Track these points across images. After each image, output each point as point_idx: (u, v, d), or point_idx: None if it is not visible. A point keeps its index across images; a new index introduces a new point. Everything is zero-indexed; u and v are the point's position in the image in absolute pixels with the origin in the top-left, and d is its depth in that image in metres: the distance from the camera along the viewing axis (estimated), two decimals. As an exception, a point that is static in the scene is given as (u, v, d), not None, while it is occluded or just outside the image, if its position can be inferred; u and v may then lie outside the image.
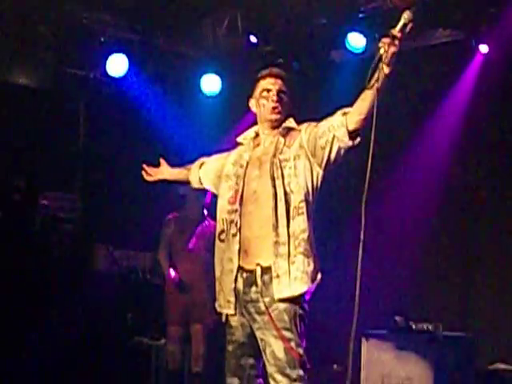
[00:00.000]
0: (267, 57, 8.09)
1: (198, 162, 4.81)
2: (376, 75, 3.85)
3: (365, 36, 7.63)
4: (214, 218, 4.49)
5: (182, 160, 7.33)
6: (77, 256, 8.03)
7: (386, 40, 3.82)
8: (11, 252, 7.47)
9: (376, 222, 8.03)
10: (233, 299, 4.25)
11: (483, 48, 7.51)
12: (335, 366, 7.32)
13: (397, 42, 3.82)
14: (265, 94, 4.37)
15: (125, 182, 8.29)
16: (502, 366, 6.78)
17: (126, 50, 8.16)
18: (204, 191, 7.08)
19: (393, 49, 3.82)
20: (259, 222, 4.20)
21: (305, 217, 4.15)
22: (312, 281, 4.15)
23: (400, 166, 7.85)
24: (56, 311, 7.52)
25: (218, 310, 4.37)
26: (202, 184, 4.79)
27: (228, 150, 4.65)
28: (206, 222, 7.46)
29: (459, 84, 7.77)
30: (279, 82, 4.37)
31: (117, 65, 8.17)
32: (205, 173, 4.74)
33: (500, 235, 7.39)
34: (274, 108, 4.34)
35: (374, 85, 3.86)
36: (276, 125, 4.37)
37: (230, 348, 4.31)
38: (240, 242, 4.23)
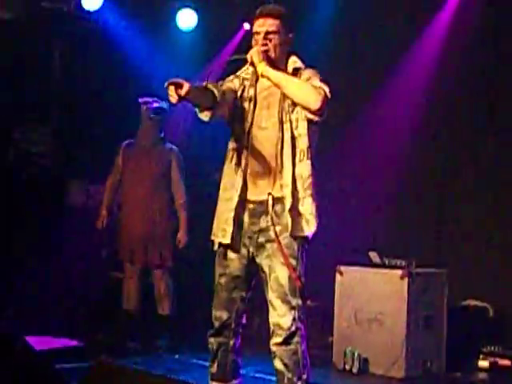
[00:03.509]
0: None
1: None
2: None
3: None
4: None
5: (158, 95, 7.29)
6: (51, 191, 7.98)
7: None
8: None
9: (353, 158, 8.08)
10: (229, 228, 4.24)
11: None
12: (309, 302, 7.35)
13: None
14: (256, 36, 4.30)
15: (99, 118, 8.23)
16: (473, 302, 6.87)
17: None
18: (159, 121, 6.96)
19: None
20: (266, 158, 4.22)
21: (310, 161, 4.20)
22: (316, 224, 4.23)
23: (384, 94, 7.82)
24: (30, 246, 7.50)
25: (212, 237, 4.35)
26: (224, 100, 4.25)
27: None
28: (162, 147, 7.11)
29: (437, 18, 7.71)
30: (269, 21, 4.24)
31: (92, -2, 8.06)
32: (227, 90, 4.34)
33: (477, 171, 7.40)
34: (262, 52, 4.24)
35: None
36: (272, 66, 4.21)
37: (222, 281, 4.32)
38: (246, 175, 4.26)
